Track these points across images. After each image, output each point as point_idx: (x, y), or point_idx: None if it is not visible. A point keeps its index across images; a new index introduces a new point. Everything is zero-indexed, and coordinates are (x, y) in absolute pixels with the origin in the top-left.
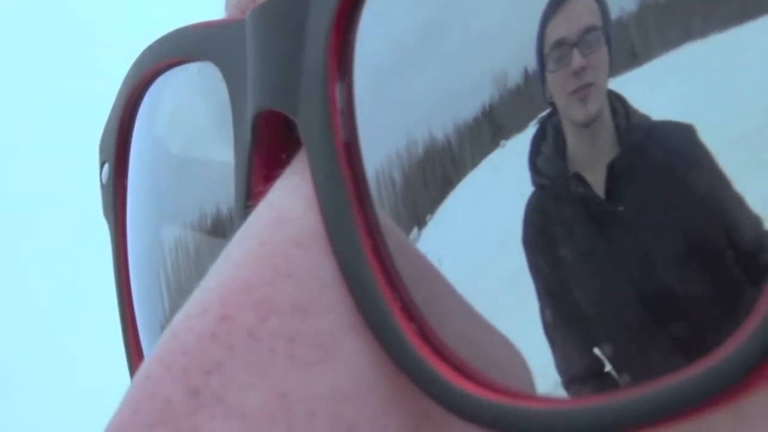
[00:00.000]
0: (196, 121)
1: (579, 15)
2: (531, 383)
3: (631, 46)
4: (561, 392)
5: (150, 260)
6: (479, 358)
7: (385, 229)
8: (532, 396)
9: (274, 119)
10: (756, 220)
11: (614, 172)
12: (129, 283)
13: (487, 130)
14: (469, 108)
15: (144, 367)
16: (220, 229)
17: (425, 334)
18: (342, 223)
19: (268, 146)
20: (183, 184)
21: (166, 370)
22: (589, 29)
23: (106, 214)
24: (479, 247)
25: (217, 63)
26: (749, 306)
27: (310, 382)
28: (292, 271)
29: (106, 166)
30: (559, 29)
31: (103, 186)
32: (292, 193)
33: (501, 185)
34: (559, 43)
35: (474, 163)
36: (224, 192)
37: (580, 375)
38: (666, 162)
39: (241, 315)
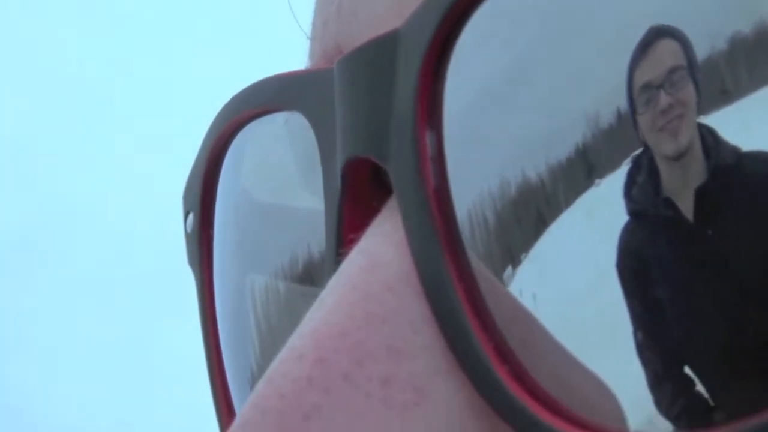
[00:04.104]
0: (283, 171)
1: (663, 58)
2: (624, 422)
3: (718, 82)
4: (653, 429)
5: (239, 311)
6: (572, 398)
7: (477, 273)
8: None
9: (364, 167)
10: None
11: (702, 197)
12: (217, 334)
13: (580, 170)
14: (561, 151)
15: (240, 415)
16: (311, 278)
17: (519, 375)
18: (434, 268)
19: (358, 194)
20: (270, 234)
21: (262, 416)
22: (673, 69)
23: (191, 263)
24: (573, 283)
25: (304, 112)
26: None
27: (406, 424)
28: (386, 316)
29: (191, 216)
30: (646, 73)
31: (187, 235)
32: (384, 240)
33: (595, 222)
34: (647, 87)
35: (568, 203)
36: (314, 240)
37: (671, 399)
38: (755, 188)
39: (336, 359)
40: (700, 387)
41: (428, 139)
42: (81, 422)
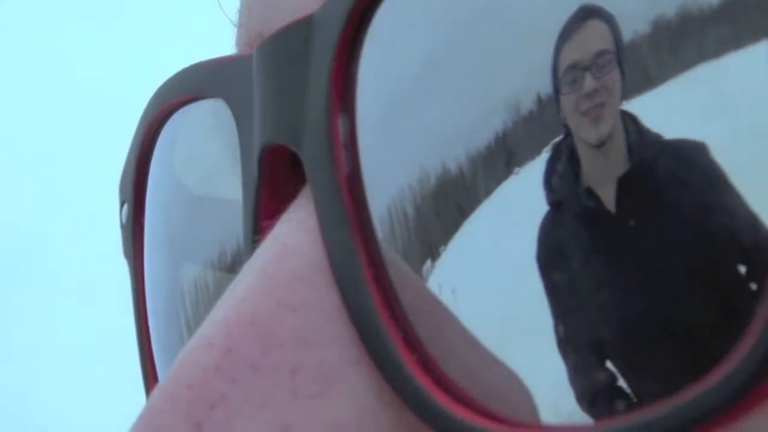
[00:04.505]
0: (209, 159)
1: (591, 39)
2: (534, 413)
3: (644, 67)
4: (565, 420)
5: (168, 301)
6: (481, 388)
7: (388, 262)
8: (533, 425)
9: (281, 154)
10: (764, 237)
11: (624, 187)
12: (147, 325)
13: (500, 158)
14: (480, 136)
15: (149, 401)
16: (237, 267)
17: (427, 365)
18: (344, 256)
19: (274, 181)
20: (199, 223)
21: (170, 403)
22: (601, 53)
23: (126, 254)
24: (493, 276)
25: (225, 99)
26: (750, 323)
27: (313, 414)
28: (296, 305)
29: (126, 206)
30: (572, 53)
31: (122, 226)
32: (298, 227)
33: (515, 212)
34: (573, 67)
35: (487, 192)
36: (239, 229)
37: (590, 392)
38: (676, 178)
39: (245, 348)
40: (620, 380)
41: (341, 125)
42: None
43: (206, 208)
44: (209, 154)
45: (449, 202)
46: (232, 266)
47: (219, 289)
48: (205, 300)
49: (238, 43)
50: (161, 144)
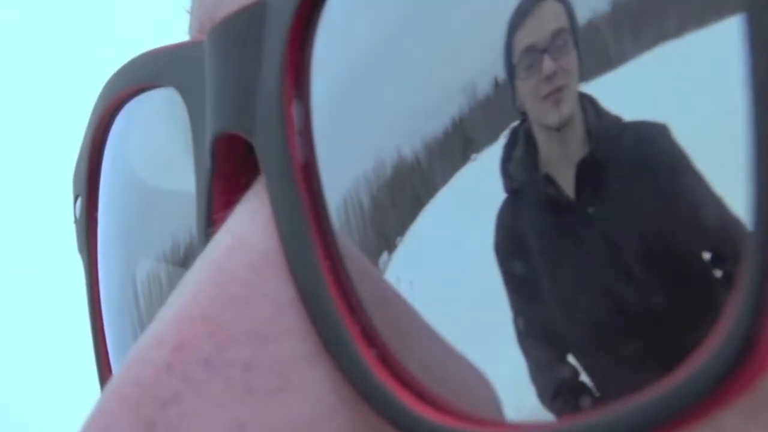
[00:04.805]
0: (162, 150)
1: (547, 20)
2: (497, 409)
3: (602, 47)
4: (527, 416)
5: (122, 296)
6: (442, 384)
7: (344, 252)
8: (496, 421)
9: (234, 143)
10: (729, 222)
11: (583, 173)
12: (102, 322)
13: (456, 145)
14: (436, 122)
15: (99, 402)
16: (190, 260)
17: (386, 360)
18: (299, 246)
19: (227, 171)
20: (153, 215)
21: (120, 403)
22: (557, 33)
23: (80, 249)
24: (451, 267)
25: (177, 88)
26: (718, 315)
27: (268, 411)
28: (249, 298)
29: (80, 200)
30: (528, 35)
31: (76, 221)
32: (251, 218)
33: (473, 200)
34: (529, 50)
35: (444, 180)
36: (193, 221)
37: (553, 387)
38: (637, 162)
39: (196, 344)
40: (583, 375)
41: (295, 111)
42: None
43: (160, 200)
44: (162, 144)
45: (405, 192)
46: (185, 260)
47: (172, 284)
48: (158, 295)
49: (190, 30)
50: (113, 136)
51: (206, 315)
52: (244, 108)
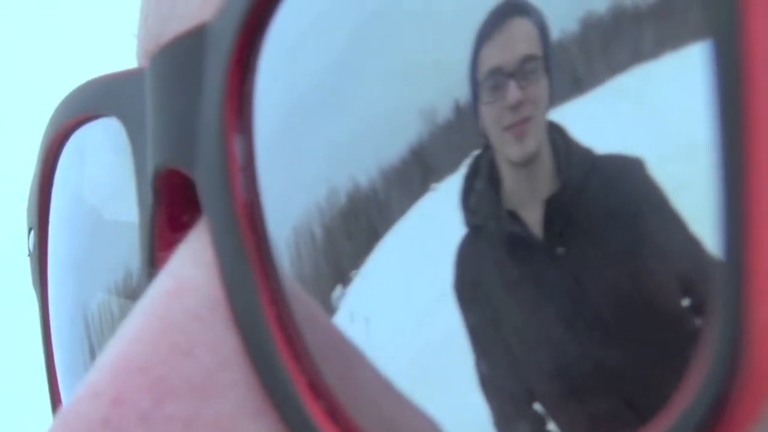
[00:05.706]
0: (109, 181)
1: (517, 41)
2: None
3: (573, 74)
4: None
5: (73, 329)
6: None
7: (292, 298)
8: None
9: (176, 178)
10: (705, 261)
11: (552, 210)
12: (53, 358)
13: (415, 172)
14: (393, 150)
15: None
16: (139, 294)
17: (334, 414)
18: (243, 291)
19: (170, 207)
20: (101, 247)
21: None
22: (527, 59)
23: (33, 282)
24: (408, 304)
25: (119, 117)
26: (689, 369)
27: None
28: (190, 348)
29: (32, 232)
30: (495, 54)
31: (30, 254)
32: (193, 261)
33: (432, 233)
34: (495, 71)
35: (402, 211)
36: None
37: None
38: (609, 199)
39: (134, 398)
40: (550, 424)
41: (237, 146)
42: None
43: (108, 231)
44: (108, 175)
45: (360, 223)
46: (135, 292)
47: (123, 316)
48: (109, 327)
49: (137, 57)
50: (62, 167)
51: (146, 365)
52: (184, 142)
